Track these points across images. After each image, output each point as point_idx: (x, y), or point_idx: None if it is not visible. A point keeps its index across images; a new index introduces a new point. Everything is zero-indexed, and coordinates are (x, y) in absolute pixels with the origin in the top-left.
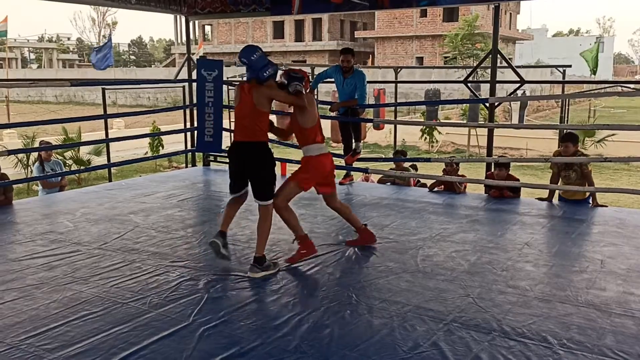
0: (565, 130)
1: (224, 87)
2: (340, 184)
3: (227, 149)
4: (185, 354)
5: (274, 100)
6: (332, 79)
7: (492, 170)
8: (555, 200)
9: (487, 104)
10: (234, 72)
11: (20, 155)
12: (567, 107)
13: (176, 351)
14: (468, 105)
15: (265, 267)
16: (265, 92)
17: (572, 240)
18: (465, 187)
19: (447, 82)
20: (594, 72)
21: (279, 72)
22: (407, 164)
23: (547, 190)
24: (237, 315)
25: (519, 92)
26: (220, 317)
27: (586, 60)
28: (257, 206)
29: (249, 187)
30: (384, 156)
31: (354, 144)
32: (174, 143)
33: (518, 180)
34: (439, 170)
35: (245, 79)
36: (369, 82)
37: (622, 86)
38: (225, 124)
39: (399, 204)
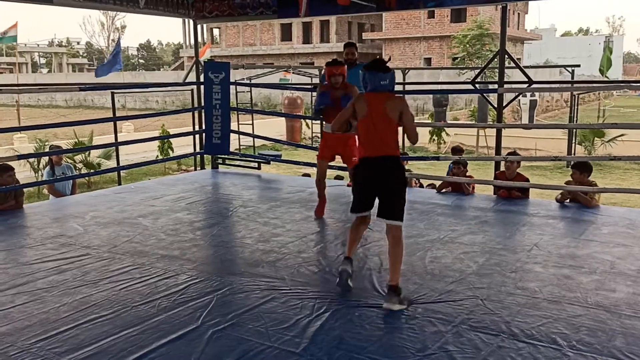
0: (575, 130)
1: (231, 88)
2: (349, 185)
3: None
4: (194, 357)
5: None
6: None
7: (502, 168)
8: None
9: (496, 104)
10: (242, 75)
11: (31, 159)
12: (576, 107)
13: (185, 354)
14: (476, 106)
15: (402, 300)
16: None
17: (581, 241)
18: (473, 187)
19: (455, 84)
20: (603, 72)
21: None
22: (406, 167)
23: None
24: (245, 318)
25: (528, 93)
26: (228, 319)
27: (603, 67)
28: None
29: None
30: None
31: None
32: (183, 146)
33: (527, 179)
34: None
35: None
36: None
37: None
38: (233, 126)
39: (406, 206)
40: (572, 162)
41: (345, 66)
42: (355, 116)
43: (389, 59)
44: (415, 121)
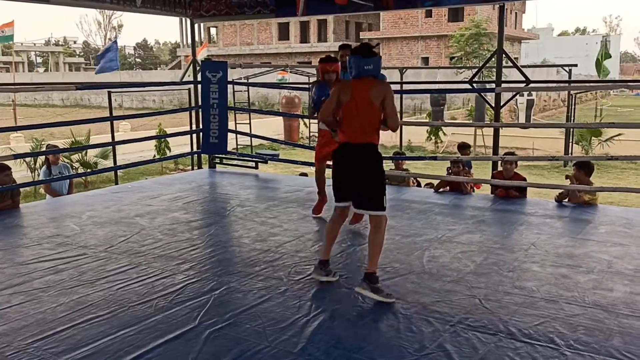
0: (572, 130)
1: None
2: None
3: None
4: (191, 357)
5: None
6: None
7: (499, 168)
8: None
9: (494, 104)
10: (239, 74)
11: (27, 159)
12: (573, 107)
13: (182, 354)
14: (474, 105)
15: (376, 289)
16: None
17: (578, 240)
18: (472, 187)
19: (452, 83)
20: (604, 74)
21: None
22: (404, 166)
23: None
24: (243, 317)
25: (525, 92)
26: (226, 319)
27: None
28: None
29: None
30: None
31: None
32: (180, 145)
33: (525, 179)
34: (444, 171)
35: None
36: None
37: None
38: (230, 125)
39: (404, 205)
40: (569, 162)
41: (339, 62)
42: (340, 104)
43: (377, 45)
44: (412, 120)
